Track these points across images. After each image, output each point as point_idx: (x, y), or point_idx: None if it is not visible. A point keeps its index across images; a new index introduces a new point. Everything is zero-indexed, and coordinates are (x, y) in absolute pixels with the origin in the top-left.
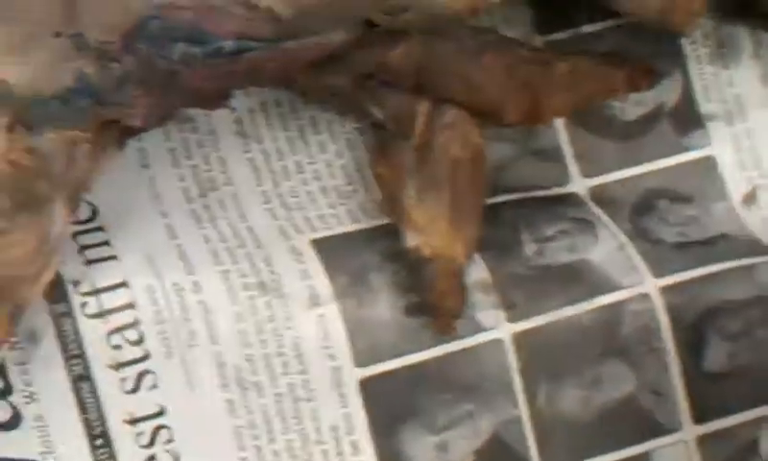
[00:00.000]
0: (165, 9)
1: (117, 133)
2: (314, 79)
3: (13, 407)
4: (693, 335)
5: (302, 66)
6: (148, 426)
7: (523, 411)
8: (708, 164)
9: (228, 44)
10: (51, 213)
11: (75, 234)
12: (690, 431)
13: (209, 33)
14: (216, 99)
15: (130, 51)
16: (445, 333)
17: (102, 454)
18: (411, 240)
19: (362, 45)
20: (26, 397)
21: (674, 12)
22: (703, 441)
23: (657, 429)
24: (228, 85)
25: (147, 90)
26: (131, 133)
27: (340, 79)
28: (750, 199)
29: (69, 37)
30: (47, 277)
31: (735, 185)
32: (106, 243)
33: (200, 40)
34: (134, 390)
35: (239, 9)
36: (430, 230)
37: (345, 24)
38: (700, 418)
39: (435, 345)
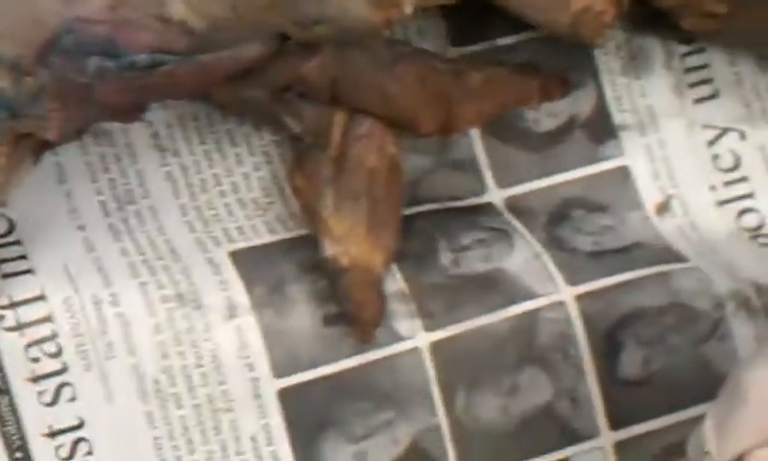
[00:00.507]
0: (80, 22)
1: (32, 146)
2: (230, 92)
3: None
4: (609, 342)
5: (218, 80)
6: (67, 439)
7: (442, 419)
8: (622, 174)
9: (142, 58)
10: None
11: None
12: (607, 438)
13: (123, 46)
14: (132, 112)
15: (44, 64)
16: (365, 342)
17: None
18: (329, 250)
19: (277, 58)
20: None
21: (584, 24)
22: (620, 447)
23: (574, 436)
24: (143, 99)
25: (62, 104)
26: (46, 146)
27: (256, 92)
28: (663, 208)
29: None
30: None
31: (649, 195)
32: (23, 257)
33: (114, 54)
34: (53, 403)
35: (153, 22)
36: (348, 240)
37: (259, 37)
38: (616, 424)
39: (353, 354)
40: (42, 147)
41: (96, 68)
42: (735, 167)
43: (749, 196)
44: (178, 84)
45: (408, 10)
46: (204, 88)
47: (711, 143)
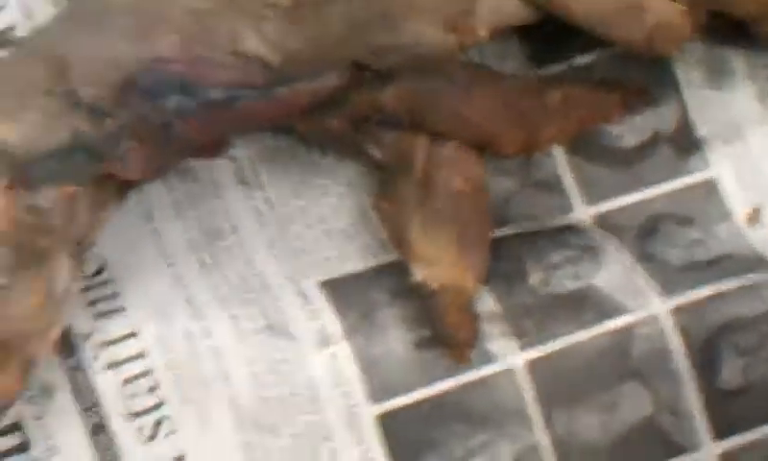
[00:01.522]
0: (156, 62)
1: (116, 186)
2: (311, 123)
3: None
4: (706, 353)
5: (296, 111)
6: None
7: (541, 438)
8: (709, 186)
9: (220, 94)
10: (54, 269)
11: (84, 289)
12: (710, 449)
13: (200, 83)
14: (214, 148)
15: (123, 106)
16: (461, 363)
17: None
18: (419, 274)
19: (354, 88)
20: (46, 450)
21: (660, 39)
22: (724, 459)
23: (677, 449)
24: (223, 135)
25: (142, 143)
26: (130, 186)
27: (336, 122)
28: (753, 218)
29: (61, 95)
30: (55, 332)
31: (737, 205)
32: (115, 295)
33: (192, 92)
34: (152, 438)
35: (229, 58)
36: (437, 263)
37: (335, 68)
38: (719, 435)
39: (448, 377)
40: (126, 187)
41: (175, 106)
42: None
43: None
44: (257, 118)
45: (482, 33)
46: (283, 121)
47: None
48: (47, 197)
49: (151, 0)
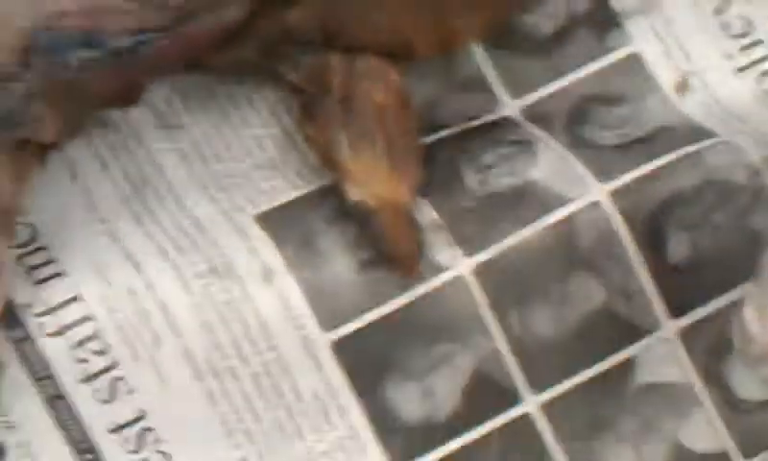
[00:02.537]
0: (54, 18)
1: (34, 150)
2: (222, 57)
3: None
4: (652, 232)
5: (204, 47)
6: (132, 432)
7: (500, 342)
8: (634, 61)
9: (125, 41)
10: None
11: (19, 258)
12: (670, 327)
13: (103, 34)
14: (127, 97)
15: (28, 67)
16: (410, 277)
17: None
18: (353, 195)
19: (262, 13)
20: (6, 427)
21: None
22: (685, 335)
23: (636, 332)
24: (134, 82)
25: (53, 104)
26: (49, 147)
27: (247, 51)
28: (682, 87)
29: None
30: None
31: (665, 76)
32: (51, 261)
33: (95, 43)
34: (111, 399)
35: (128, 4)
36: (371, 180)
37: None
38: (676, 312)
39: (398, 294)
40: (45, 149)
41: (79, 61)
42: (748, 32)
43: (767, 58)
44: (165, 60)
45: None
46: (192, 58)
47: (718, 12)
48: None
49: None
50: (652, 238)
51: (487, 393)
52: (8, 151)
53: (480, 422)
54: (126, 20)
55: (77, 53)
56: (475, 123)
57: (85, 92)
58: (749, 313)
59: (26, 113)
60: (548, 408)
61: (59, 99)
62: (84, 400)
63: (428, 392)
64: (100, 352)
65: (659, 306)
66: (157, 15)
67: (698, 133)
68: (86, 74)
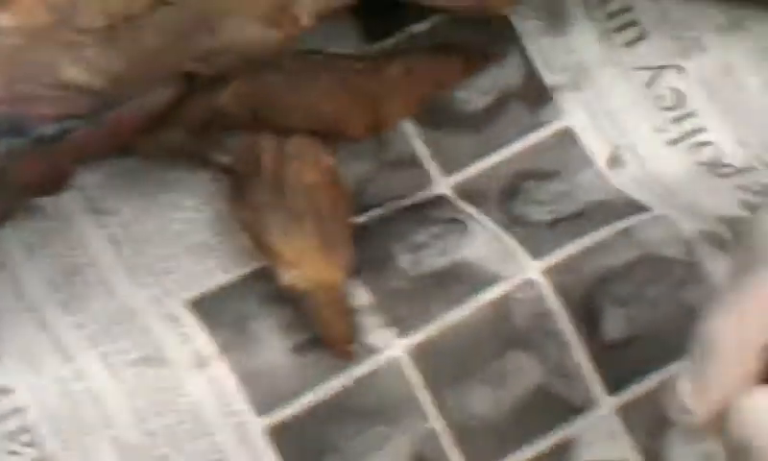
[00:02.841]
0: None
1: None
2: (151, 140)
3: None
4: (587, 309)
5: (132, 132)
6: None
7: (436, 423)
8: (566, 135)
9: (50, 128)
10: None
11: None
12: (608, 404)
13: (28, 121)
14: (55, 184)
15: None
16: (345, 360)
17: None
18: (285, 277)
19: (189, 96)
20: None
21: None
22: (624, 411)
23: (573, 411)
24: (61, 169)
25: None
26: None
27: (176, 134)
28: (614, 161)
29: None
30: None
31: (597, 150)
32: None
33: (21, 131)
34: None
35: (53, 90)
36: (302, 263)
37: (163, 82)
38: (613, 389)
39: (332, 377)
40: None
41: (5, 150)
42: (679, 104)
43: (699, 130)
44: (92, 146)
45: (305, 21)
46: (120, 143)
47: (649, 84)
48: None
49: None
50: (587, 315)
51: None
52: None
53: None
54: (51, 107)
55: (2, 141)
56: (407, 202)
57: (11, 181)
58: (684, 386)
59: None
60: None
61: None
62: None
63: None
64: (31, 444)
65: (595, 383)
66: (83, 102)
67: (631, 207)
68: (12, 162)
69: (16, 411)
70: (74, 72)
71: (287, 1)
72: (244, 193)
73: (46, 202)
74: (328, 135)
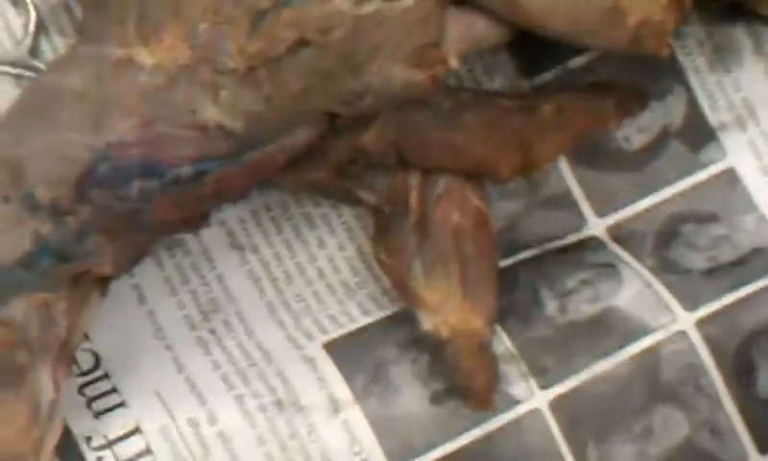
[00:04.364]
0: (113, 149)
1: (94, 280)
2: (294, 178)
3: None
4: (740, 363)
5: (273, 172)
6: None
7: None
8: (729, 177)
9: (186, 170)
10: (36, 381)
11: (80, 387)
12: None
13: (164, 163)
14: (194, 223)
15: (83, 200)
16: (484, 409)
17: None
18: (427, 323)
19: (333, 135)
20: None
21: (645, 38)
22: None
23: None
24: (197, 210)
25: (111, 236)
26: (109, 278)
27: (320, 173)
28: None
29: (18, 200)
30: (50, 444)
31: (762, 193)
32: (113, 390)
33: (155, 173)
34: None
35: (189, 132)
36: (445, 308)
37: (305, 122)
38: (764, 448)
39: (470, 428)
40: (104, 279)
41: (139, 191)
42: None
43: None
44: (231, 187)
45: (454, 64)
46: (260, 183)
47: None
48: (18, 309)
49: (103, 84)
50: (740, 370)
51: None
52: (65, 284)
53: None
54: (188, 149)
55: (135, 183)
56: (558, 244)
57: (146, 222)
58: None
59: (82, 247)
60: None
61: (117, 231)
62: None
63: None
64: None
65: (746, 441)
66: (221, 143)
67: None
68: (146, 205)
69: (146, 452)
70: (213, 112)
71: (434, 42)
72: (388, 233)
73: (188, 237)
74: (477, 176)
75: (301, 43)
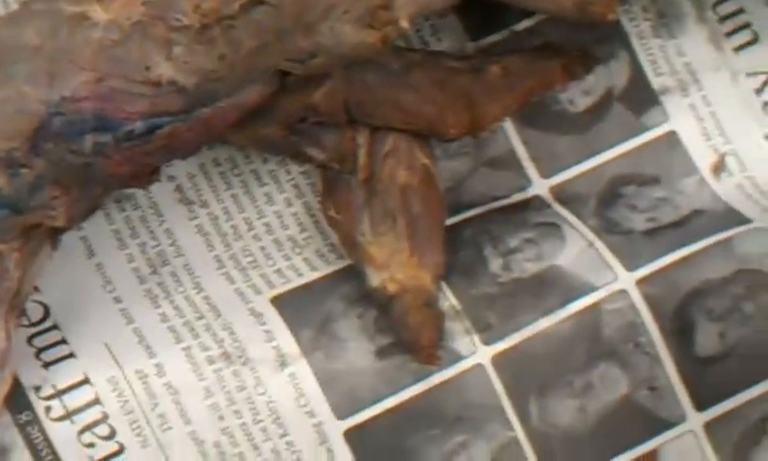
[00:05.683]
0: (67, 103)
1: (46, 233)
2: (245, 134)
3: None
4: (679, 322)
5: (223, 129)
6: None
7: (518, 432)
8: (671, 140)
9: (138, 125)
10: None
11: (30, 338)
12: (695, 420)
13: (117, 118)
14: (144, 177)
15: (38, 153)
16: (430, 365)
17: None
18: (374, 279)
19: (284, 93)
20: None
21: (592, 3)
22: (710, 427)
23: (660, 425)
24: (150, 164)
25: (64, 189)
26: (60, 230)
27: (270, 129)
28: (718, 167)
29: None
30: (1, 392)
31: (701, 156)
32: (62, 341)
33: (108, 127)
34: None
35: (142, 88)
36: (392, 265)
37: (256, 79)
38: (702, 404)
39: (414, 382)
40: (56, 232)
41: (92, 145)
42: None
43: None
44: (182, 143)
45: (405, 24)
46: (211, 139)
47: (759, 90)
48: None
49: (57, 39)
50: (679, 329)
51: None
52: (18, 235)
53: None
54: (141, 105)
55: (89, 137)
56: (502, 203)
57: (99, 176)
58: None
59: (36, 199)
60: None
61: (70, 184)
62: None
63: None
64: (107, 437)
65: (684, 399)
66: (174, 99)
67: (731, 218)
68: (99, 158)
69: (94, 403)
70: (167, 70)
71: (385, 3)
72: (336, 190)
73: (137, 191)
74: (424, 135)
75: (255, 2)
